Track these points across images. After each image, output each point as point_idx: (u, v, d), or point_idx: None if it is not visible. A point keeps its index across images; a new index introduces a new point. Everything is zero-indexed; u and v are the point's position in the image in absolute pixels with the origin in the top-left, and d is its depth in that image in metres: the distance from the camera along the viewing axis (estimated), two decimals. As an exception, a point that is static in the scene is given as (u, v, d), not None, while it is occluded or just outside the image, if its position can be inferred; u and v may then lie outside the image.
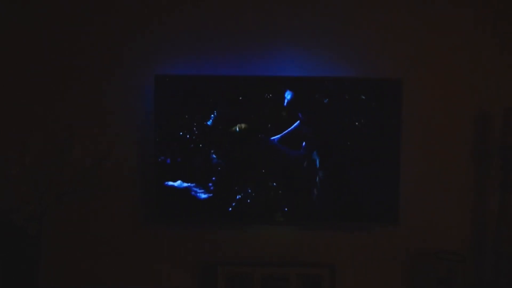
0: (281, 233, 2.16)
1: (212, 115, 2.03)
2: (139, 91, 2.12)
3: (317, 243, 2.17)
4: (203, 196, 2.05)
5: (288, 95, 2.03)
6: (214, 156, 2.04)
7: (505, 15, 2.13)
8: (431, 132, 2.14)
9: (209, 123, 2.03)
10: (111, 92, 2.13)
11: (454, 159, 2.15)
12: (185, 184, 2.05)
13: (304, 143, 2.03)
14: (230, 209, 2.05)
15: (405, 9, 2.12)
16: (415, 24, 2.12)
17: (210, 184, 2.05)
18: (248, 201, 2.05)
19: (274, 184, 2.04)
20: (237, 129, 1.94)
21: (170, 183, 2.04)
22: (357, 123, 2.03)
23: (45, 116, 2.12)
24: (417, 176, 2.14)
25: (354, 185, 2.05)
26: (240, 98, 2.03)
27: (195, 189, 2.05)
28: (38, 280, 1.99)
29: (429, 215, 2.16)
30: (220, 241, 2.17)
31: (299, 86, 2.03)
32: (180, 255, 2.17)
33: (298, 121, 2.02)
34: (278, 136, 2.02)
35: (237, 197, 2.05)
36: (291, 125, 2.02)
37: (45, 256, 2.08)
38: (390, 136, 2.03)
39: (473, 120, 2.15)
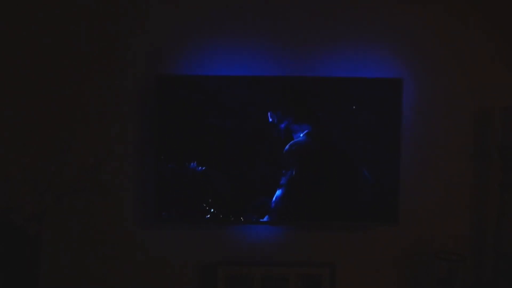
0: (281, 233, 2.16)
1: (213, 116, 2.03)
2: (140, 91, 2.12)
3: (317, 243, 2.17)
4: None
5: (288, 95, 2.03)
6: (212, 157, 2.04)
7: (505, 15, 2.13)
8: (431, 132, 2.14)
9: (210, 124, 2.03)
10: (111, 92, 2.13)
11: (454, 159, 2.15)
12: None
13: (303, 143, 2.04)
14: (230, 209, 2.06)
15: (406, 9, 2.12)
16: (416, 24, 2.12)
17: (211, 185, 2.05)
18: (249, 200, 2.06)
19: (274, 184, 2.05)
20: None
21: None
22: (357, 123, 2.03)
23: (45, 116, 2.12)
24: (417, 176, 2.14)
25: (354, 185, 2.05)
26: (241, 98, 2.03)
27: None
28: (38, 280, 1.99)
29: (429, 215, 2.16)
30: (220, 241, 2.17)
31: (299, 86, 2.03)
32: (180, 255, 2.17)
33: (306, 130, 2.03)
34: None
35: (237, 198, 2.05)
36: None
37: (45, 256, 2.08)
38: (390, 136, 2.03)
39: (473, 120, 2.15)
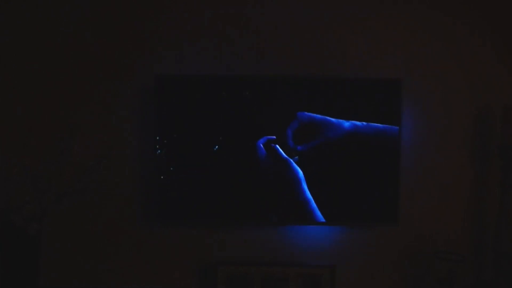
0: (281, 233, 2.16)
1: (213, 115, 2.03)
2: (139, 91, 2.12)
3: (317, 243, 2.17)
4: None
5: (288, 95, 2.03)
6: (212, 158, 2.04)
7: (505, 15, 2.13)
8: (431, 132, 2.14)
9: (209, 123, 2.03)
10: (111, 92, 2.13)
11: (454, 159, 2.15)
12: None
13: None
14: (229, 210, 2.06)
15: (406, 9, 2.12)
16: (415, 24, 2.12)
17: (209, 186, 2.05)
18: (248, 201, 2.05)
19: (274, 183, 2.05)
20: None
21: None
22: (356, 123, 2.03)
23: (45, 116, 2.12)
24: (417, 176, 2.14)
25: (354, 185, 2.05)
26: (241, 97, 2.03)
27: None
28: (38, 280, 1.99)
29: (429, 215, 2.16)
30: (220, 241, 2.17)
31: (298, 86, 2.03)
32: (180, 255, 2.17)
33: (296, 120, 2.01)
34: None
35: (236, 197, 2.05)
36: (289, 125, 2.02)
37: (45, 256, 2.08)
38: (389, 136, 2.02)
39: (473, 120, 2.15)
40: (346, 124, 1.98)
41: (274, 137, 2.00)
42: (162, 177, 2.04)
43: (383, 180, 2.04)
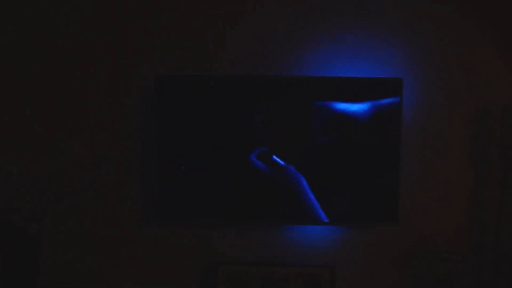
0: (281, 233, 2.16)
1: (213, 115, 2.03)
2: (139, 91, 2.12)
3: (317, 243, 2.17)
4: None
5: (288, 96, 2.03)
6: (212, 158, 2.04)
7: (505, 15, 2.13)
8: (431, 132, 2.14)
9: (209, 123, 2.03)
10: (111, 92, 2.13)
11: (454, 159, 2.15)
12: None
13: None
14: (229, 210, 2.06)
15: (405, 9, 2.12)
16: (416, 24, 2.12)
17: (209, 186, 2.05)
18: (248, 201, 2.05)
19: (275, 183, 2.05)
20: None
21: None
22: (357, 122, 2.03)
23: (46, 116, 2.12)
24: (417, 176, 2.14)
25: (354, 186, 2.05)
26: (240, 97, 2.03)
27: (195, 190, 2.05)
28: (38, 280, 1.99)
29: (429, 215, 2.16)
30: (220, 241, 2.17)
31: (298, 86, 2.03)
32: (180, 255, 2.17)
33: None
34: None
35: (236, 197, 2.05)
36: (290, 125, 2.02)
37: (45, 256, 2.08)
38: (390, 136, 2.03)
39: (473, 120, 2.15)
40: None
41: (266, 148, 2.00)
42: (163, 176, 2.04)
43: (383, 180, 2.04)
